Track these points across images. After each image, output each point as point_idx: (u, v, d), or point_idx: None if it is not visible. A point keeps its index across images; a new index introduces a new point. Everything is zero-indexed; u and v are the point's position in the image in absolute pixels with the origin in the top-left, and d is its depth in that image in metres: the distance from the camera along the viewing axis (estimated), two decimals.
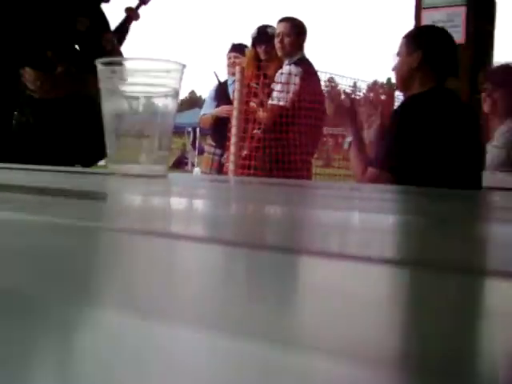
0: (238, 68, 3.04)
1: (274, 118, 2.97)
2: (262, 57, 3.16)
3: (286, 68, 2.98)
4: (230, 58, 3.53)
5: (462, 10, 3.34)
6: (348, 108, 2.03)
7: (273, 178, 2.90)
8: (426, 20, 3.38)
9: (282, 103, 2.97)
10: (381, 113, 2.06)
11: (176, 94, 0.88)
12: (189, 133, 19.53)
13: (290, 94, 2.94)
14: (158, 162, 0.87)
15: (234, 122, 2.96)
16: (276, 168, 3.00)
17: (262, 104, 3.06)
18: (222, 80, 3.60)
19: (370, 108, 2.11)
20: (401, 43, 1.98)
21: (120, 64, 0.87)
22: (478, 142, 2.02)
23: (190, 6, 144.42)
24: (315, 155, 3.53)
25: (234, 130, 2.95)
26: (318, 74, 3.20)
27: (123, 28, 2.00)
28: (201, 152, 17.34)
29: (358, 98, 4.46)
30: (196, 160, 16.88)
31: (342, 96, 2.88)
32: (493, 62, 3.18)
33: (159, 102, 0.87)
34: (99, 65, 0.86)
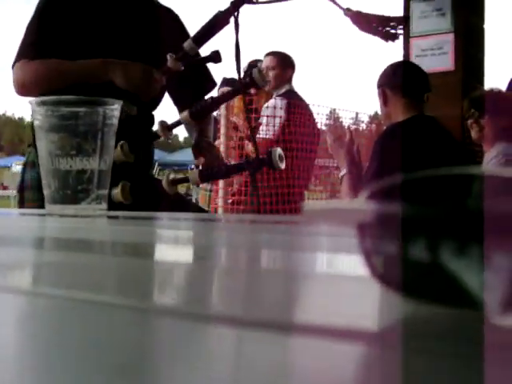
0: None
1: (261, 152, 2.95)
2: (252, 91, 3.16)
3: (271, 101, 2.97)
4: (223, 93, 3.50)
5: (451, 38, 3.33)
6: (347, 141, 2.03)
7: (264, 212, 2.88)
8: (415, 48, 3.38)
9: (267, 137, 2.95)
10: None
11: (114, 132, 0.86)
12: (192, 169, 19.64)
13: (276, 127, 2.93)
14: (97, 201, 0.85)
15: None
16: (269, 202, 2.96)
17: (248, 138, 3.04)
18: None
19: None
20: None
21: (55, 103, 0.85)
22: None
23: None
24: (318, 188, 3.50)
25: None
26: (321, 108, 3.19)
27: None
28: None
29: (359, 129, 4.46)
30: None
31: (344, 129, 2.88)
32: (484, 88, 3.17)
33: (98, 140, 0.85)
34: (33, 104, 0.84)
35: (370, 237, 0.20)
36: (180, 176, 1.34)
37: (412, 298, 0.20)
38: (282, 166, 1.16)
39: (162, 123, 1.32)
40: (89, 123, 0.84)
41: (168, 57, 1.29)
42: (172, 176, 1.25)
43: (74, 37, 1.39)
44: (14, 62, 1.39)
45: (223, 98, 1.50)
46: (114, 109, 0.86)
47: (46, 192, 0.85)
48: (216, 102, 1.39)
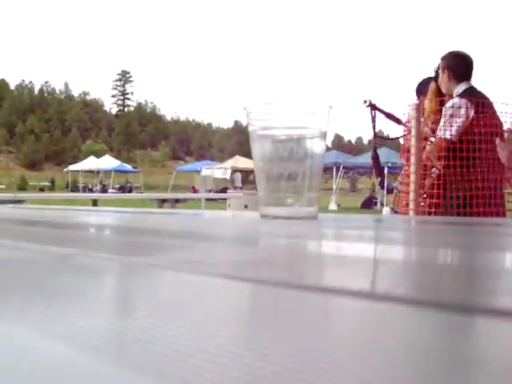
0: (413, 105, 2.98)
1: (439, 152, 2.87)
2: (443, 90, 3.09)
3: (450, 101, 2.88)
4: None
5: None
6: None
7: (459, 215, 2.80)
8: None
9: (445, 136, 2.86)
10: None
11: (324, 135, 0.88)
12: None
13: (455, 127, 2.83)
14: (309, 203, 0.87)
15: (412, 159, 2.89)
16: (463, 205, 2.88)
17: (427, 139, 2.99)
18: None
19: None
20: None
21: (268, 107, 0.89)
22: None
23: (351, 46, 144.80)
24: (509, 190, 3.35)
25: (412, 168, 2.88)
26: (505, 106, 3.06)
27: None
28: (389, 191, 17.22)
29: None
30: (385, 199, 16.77)
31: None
32: None
33: (308, 144, 0.87)
34: (247, 109, 0.88)
35: None
36: None
37: None
38: None
39: None
40: (300, 127, 0.87)
41: None
42: None
43: None
44: None
45: None
46: (326, 111, 0.88)
47: (259, 195, 0.89)
48: None
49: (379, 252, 0.49)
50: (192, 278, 0.32)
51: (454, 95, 2.92)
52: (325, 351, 0.17)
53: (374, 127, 3.13)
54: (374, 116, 3.15)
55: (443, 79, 2.99)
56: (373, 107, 3.15)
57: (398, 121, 3.01)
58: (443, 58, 3.02)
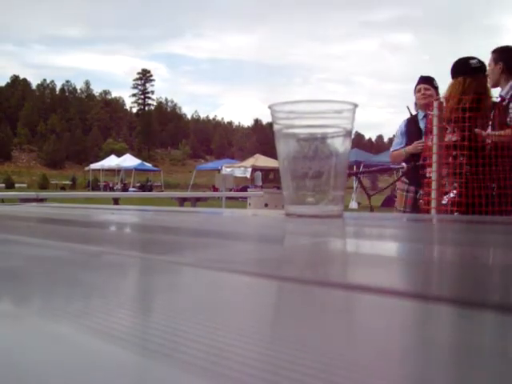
0: (435, 103, 2.96)
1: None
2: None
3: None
4: (419, 91, 3.42)
5: None
6: None
7: (481, 214, 2.77)
8: None
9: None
10: None
11: (349, 133, 0.88)
12: (397, 171, 19.47)
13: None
14: (334, 202, 0.87)
15: (434, 157, 2.87)
16: (485, 204, 2.85)
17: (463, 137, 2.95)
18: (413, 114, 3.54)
19: None
20: None
21: (294, 106, 0.89)
22: None
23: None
24: None
25: (434, 166, 2.86)
26: None
27: None
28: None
29: None
30: None
31: None
32: None
33: (333, 143, 0.87)
34: (272, 107, 0.89)
35: None
36: None
37: None
38: None
39: None
40: (325, 126, 0.87)
41: None
42: None
43: None
44: None
45: None
46: (351, 110, 0.88)
47: (284, 193, 0.89)
48: None
49: (411, 250, 0.49)
50: (233, 277, 0.32)
51: (505, 89, 2.90)
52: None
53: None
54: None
55: (495, 71, 2.96)
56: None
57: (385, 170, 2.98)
58: (496, 51, 3.00)
